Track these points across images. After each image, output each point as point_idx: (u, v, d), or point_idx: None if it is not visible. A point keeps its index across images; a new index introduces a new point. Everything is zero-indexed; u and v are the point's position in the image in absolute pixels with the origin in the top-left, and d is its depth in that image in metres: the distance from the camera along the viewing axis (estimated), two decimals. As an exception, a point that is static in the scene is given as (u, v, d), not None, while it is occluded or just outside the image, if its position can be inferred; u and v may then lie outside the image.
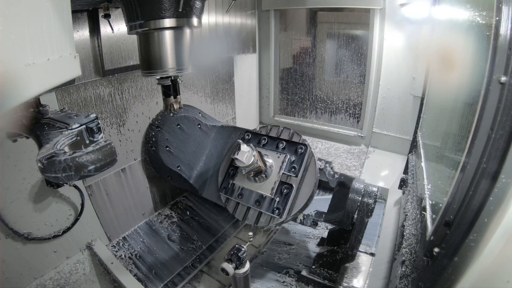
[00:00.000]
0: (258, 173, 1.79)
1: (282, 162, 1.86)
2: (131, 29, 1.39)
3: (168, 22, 1.30)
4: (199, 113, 2.66)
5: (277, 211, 1.78)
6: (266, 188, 1.84)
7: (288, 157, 1.87)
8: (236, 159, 1.62)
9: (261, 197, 1.85)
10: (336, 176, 1.78)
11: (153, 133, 2.41)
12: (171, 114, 1.70)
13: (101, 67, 2.11)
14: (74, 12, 1.86)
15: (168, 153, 2.40)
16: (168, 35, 1.35)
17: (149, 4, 1.24)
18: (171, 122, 2.43)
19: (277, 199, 1.80)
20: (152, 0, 1.24)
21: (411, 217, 1.89)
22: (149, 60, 1.41)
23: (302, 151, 1.84)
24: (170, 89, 1.55)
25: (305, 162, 1.82)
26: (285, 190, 1.80)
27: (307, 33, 3.94)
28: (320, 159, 1.84)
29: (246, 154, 1.62)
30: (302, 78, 4.12)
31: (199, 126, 2.51)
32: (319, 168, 1.86)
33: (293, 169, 1.83)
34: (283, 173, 1.84)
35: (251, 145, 1.69)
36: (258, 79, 4.31)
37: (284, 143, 1.92)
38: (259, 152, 1.82)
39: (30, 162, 1.74)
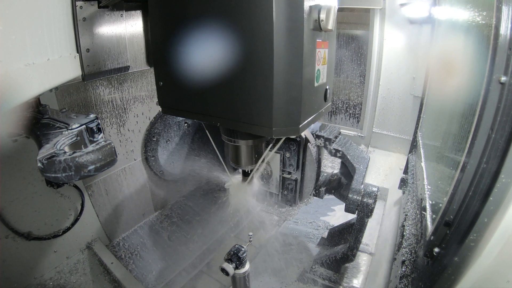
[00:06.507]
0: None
1: (278, 162, 1.85)
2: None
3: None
4: None
5: (289, 202, 1.97)
6: (272, 186, 1.97)
7: (282, 154, 1.83)
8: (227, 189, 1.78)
9: (271, 192, 2.01)
10: (338, 154, 1.77)
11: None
12: None
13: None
14: (128, 8, 1.99)
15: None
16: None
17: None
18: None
19: (286, 192, 1.95)
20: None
21: (411, 217, 1.89)
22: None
23: (294, 148, 1.77)
24: None
25: (301, 158, 1.80)
26: (290, 186, 1.91)
27: (307, 33, 3.94)
28: (318, 136, 1.78)
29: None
30: (302, 78, 4.11)
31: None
32: (318, 146, 1.83)
33: (291, 166, 1.84)
34: (282, 171, 1.88)
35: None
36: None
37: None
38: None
39: (30, 162, 1.74)
